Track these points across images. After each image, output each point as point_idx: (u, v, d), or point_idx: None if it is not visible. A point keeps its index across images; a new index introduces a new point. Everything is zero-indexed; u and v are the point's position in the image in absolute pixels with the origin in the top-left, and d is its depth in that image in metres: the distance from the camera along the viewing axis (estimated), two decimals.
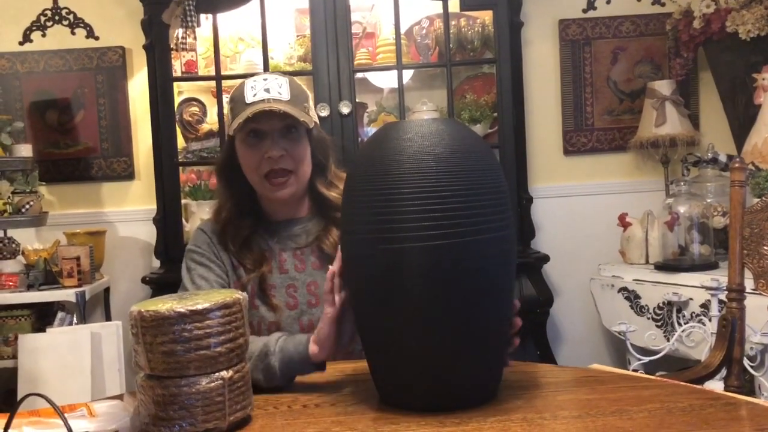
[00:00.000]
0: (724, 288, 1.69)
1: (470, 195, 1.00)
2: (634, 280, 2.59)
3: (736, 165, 1.64)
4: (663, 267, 2.55)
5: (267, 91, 1.37)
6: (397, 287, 1.01)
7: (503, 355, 1.10)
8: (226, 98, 2.95)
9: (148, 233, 2.99)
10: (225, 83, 2.90)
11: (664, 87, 2.93)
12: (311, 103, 1.45)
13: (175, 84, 2.87)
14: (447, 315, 1.00)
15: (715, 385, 1.68)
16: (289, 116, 1.34)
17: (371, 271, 1.03)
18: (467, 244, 0.99)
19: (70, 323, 2.70)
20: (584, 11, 3.14)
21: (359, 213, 1.05)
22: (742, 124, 2.76)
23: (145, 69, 2.88)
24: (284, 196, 1.40)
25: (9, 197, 2.75)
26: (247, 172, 1.41)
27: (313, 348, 1.18)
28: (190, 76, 2.92)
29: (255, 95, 1.37)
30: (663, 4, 3.10)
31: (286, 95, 1.38)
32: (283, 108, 1.34)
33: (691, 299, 2.36)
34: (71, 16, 3.12)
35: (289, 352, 1.19)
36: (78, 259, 2.71)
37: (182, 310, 0.95)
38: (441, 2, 2.77)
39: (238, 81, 2.98)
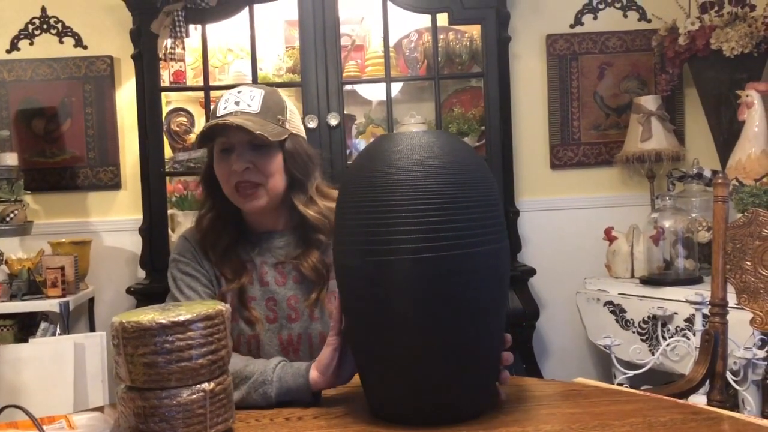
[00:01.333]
0: (708, 302, 1.70)
1: (459, 208, 1.00)
2: (619, 293, 2.60)
3: (719, 181, 1.66)
4: (648, 281, 2.57)
5: (237, 103, 1.36)
6: (385, 299, 1.01)
7: (495, 370, 1.09)
8: None
9: (134, 243, 2.98)
10: (213, 94, 2.90)
11: (649, 102, 2.95)
12: (289, 115, 1.41)
13: (163, 94, 2.86)
14: (433, 328, 1.00)
15: (699, 399, 1.69)
16: (243, 129, 1.30)
17: (360, 282, 1.03)
18: (455, 257, 0.98)
19: (54, 334, 2.67)
20: (571, 27, 3.17)
21: (349, 224, 1.05)
22: (726, 139, 2.79)
23: (133, 79, 2.87)
24: (253, 208, 1.38)
25: None
26: (221, 184, 1.40)
27: (314, 374, 1.17)
28: (178, 86, 2.92)
29: (225, 108, 1.36)
30: (649, 21, 3.14)
31: (255, 107, 1.36)
32: (239, 121, 1.30)
33: (675, 313, 2.37)
34: (59, 25, 3.11)
35: (287, 383, 1.18)
36: (62, 269, 2.69)
37: (164, 321, 0.95)
38: (430, 16, 2.79)
39: (227, 92, 3.02)
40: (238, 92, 1.39)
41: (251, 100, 1.37)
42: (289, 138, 1.38)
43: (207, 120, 2.81)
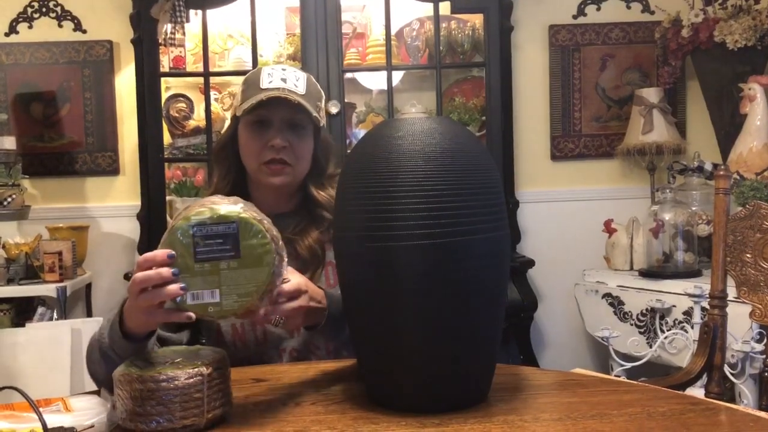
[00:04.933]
0: (707, 295, 1.70)
1: (460, 194, 0.99)
2: (618, 286, 2.60)
3: (721, 172, 1.65)
4: (647, 274, 2.56)
5: (283, 80, 1.36)
6: (384, 286, 1.00)
7: (494, 357, 1.09)
8: (213, 95, 2.95)
9: (132, 229, 2.97)
10: (213, 80, 2.89)
11: (651, 95, 2.94)
12: (324, 104, 1.45)
13: (163, 79, 2.85)
14: (433, 314, 0.99)
15: (696, 392, 1.69)
16: (302, 108, 1.33)
17: (359, 268, 1.03)
18: (456, 243, 0.98)
19: (51, 319, 2.67)
20: (574, 17, 3.15)
21: (349, 210, 1.04)
22: (727, 133, 2.78)
23: (133, 64, 2.86)
24: (277, 183, 1.38)
25: None
26: (246, 157, 1.39)
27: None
28: (177, 71, 2.91)
29: (271, 82, 1.36)
30: (652, 13, 3.12)
31: (301, 89, 1.37)
32: (297, 99, 1.33)
33: (674, 306, 2.37)
34: (59, 9, 3.09)
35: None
36: (60, 254, 2.69)
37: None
38: (432, 4, 2.78)
39: (227, 78, 3.02)
40: (283, 69, 1.39)
41: (297, 80, 1.38)
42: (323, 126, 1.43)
43: (209, 106, 2.80)
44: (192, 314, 0.96)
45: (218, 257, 0.96)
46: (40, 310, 2.72)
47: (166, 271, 0.95)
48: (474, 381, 1.06)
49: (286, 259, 1.02)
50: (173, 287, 0.95)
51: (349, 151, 2.84)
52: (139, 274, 0.97)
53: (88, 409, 1.01)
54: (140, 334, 1.10)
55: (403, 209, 0.98)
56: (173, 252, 0.96)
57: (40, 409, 0.92)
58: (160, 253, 0.96)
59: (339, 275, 1.11)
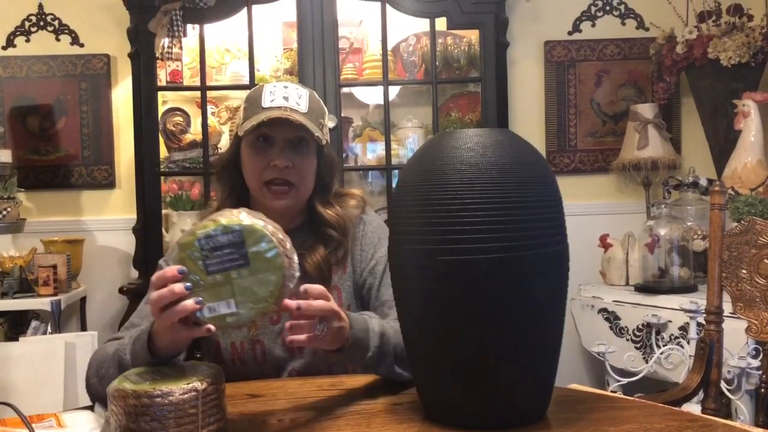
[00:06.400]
0: (703, 311, 1.70)
1: (531, 207, 0.99)
2: (614, 301, 2.60)
3: (716, 188, 1.66)
4: (643, 289, 2.56)
5: (285, 99, 1.34)
6: (455, 299, 0.98)
7: (553, 374, 1.07)
8: (210, 109, 2.95)
9: (128, 243, 2.96)
10: (210, 94, 2.90)
11: (646, 110, 2.96)
12: (327, 120, 1.42)
13: (160, 93, 2.85)
14: (503, 328, 0.98)
15: (693, 408, 1.68)
16: (304, 128, 1.31)
17: (428, 282, 1.00)
18: (529, 257, 0.97)
19: (45, 333, 2.66)
20: (569, 33, 3.18)
21: (415, 223, 1.02)
22: (722, 148, 2.79)
23: (130, 77, 2.86)
24: (280, 207, 1.36)
25: None
26: (249, 177, 1.37)
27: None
28: (174, 85, 2.92)
29: (273, 101, 1.33)
30: (647, 29, 3.15)
31: (303, 107, 1.34)
32: (299, 119, 1.31)
33: (670, 321, 2.36)
34: (56, 23, 3.10)
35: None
36: (55, 267, 2.68)
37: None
38: (428, 20, 2.80)
39: (223, 92, 3.02)
40: (285, 87, 1.37)
41: (299, 98, 1.35)
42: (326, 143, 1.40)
43: (205, 120, 2.81)
44: (212, 326, 0.97)
45: (228, 267, 0.97)
46: (34, 323, 2.70)
47: (178, 287, 0.96)
48: (533, 397, 1.05)
49: (296, 261, 1.02)
50: (188, 303, 0.96)
51: (345, 164, 2.85)
52: (154, 294, 0.98)
53: (82, 425, 1.01)
54: (168, 355, 1.09)
55: (479, 221, 0.96)
56: (183, 267, 0.97)
57: (33, 425, 0.91)
58: (170, 269, 0.97)
59: (395, 289, 1.09)
